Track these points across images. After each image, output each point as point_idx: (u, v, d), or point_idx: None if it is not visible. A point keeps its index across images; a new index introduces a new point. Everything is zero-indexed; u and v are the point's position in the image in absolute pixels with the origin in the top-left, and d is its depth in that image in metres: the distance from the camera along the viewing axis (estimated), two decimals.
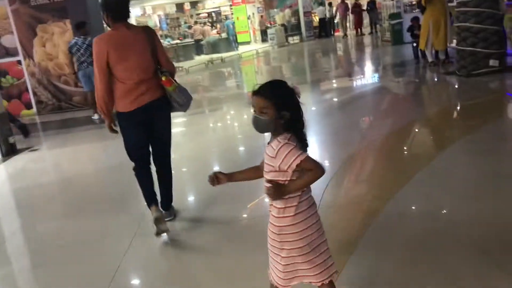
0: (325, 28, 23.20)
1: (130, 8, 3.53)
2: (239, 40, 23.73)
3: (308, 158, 1.93)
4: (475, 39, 7.76)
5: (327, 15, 23.08)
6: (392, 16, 14.56)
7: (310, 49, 19.54)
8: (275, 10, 25.84)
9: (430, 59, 9.46)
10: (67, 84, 10.57)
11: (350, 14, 21.73)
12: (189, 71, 16.28)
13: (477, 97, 6.91)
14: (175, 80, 3.55)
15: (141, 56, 3.39)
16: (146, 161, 3.65)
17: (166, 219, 3.60)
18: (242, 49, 21.93)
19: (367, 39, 19.23)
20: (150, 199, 3.60)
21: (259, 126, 1.99)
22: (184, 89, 3.64)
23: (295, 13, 25.55)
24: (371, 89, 8.92)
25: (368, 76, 10.54)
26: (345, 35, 21.26)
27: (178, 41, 22.00)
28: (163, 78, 3.43)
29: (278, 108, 1.94)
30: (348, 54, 16.44)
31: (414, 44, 10.36)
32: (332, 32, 23.51)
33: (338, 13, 22.05)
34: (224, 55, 19.52)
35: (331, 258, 2.09)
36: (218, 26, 26.18)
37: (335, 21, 23.98)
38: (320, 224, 2.07)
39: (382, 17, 16.44)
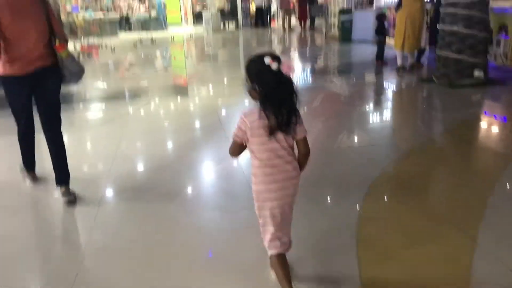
0: (262, 17, 22.05)
1: None
2: (169, 21, 21.88)
3: (233, 137, 2.18)
4: (461, 46, 6.95)
5: (265, 4, 21.95)
6: (343, 12, 13.72)
7: (249, 38, 18.30)
8: None
9: (399, 62, 8.59)
10: None
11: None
12: (114, 50, 14.33)
13: (464, 112, 5.99)
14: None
15: (36, 20, 3.34)
16: (30, 125, 3.59)
17: (66, 197, 3.51)
18: (173, 30, 20.14)
19: (309, 34, 18.27)
20: (29, 163, 3.81)
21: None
22: (76, 59, 3.64)
23: None
24: (331, 96, 7.74)
25: (327, 77, 9.41)
26: (288, 27, 19.50)
27: (101, 15, 19.68)
28: (57, 43, 3.41)
29: (250, 79, 2.10)
30: (295, 48, 15.18)
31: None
32: (268, 22, 22.43)
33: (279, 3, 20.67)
34: (154, 35, 17.67)
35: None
36: (147, 2, 24.16)
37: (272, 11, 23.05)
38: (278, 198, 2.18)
39: (329, 12, 15.54)
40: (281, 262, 2.22)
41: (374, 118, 6.08)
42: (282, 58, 2.11)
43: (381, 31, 9.24)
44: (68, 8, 19.03)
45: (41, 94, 3.45)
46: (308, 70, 10.29)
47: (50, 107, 3.52)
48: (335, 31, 14.99)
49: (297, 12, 19.54)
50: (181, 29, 21.39)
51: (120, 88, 8.82)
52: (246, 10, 21.76)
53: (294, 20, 20.29)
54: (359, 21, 13.64)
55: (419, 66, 8.64)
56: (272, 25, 22.44)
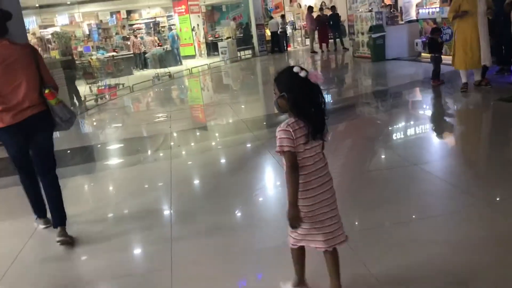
0: (279, 42, 21.23)
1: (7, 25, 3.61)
2: (182, 54, 21.12)
3: (283, 153, 2.20)
4: None
5: (280, 29, 21.14)
6: (374, 29, 12.78)
7: (270, 65, 17.43)
8: (226, 21, 23.67)
9: (464, 80, 7.57)
10: None
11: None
12: (133, 89, 13.49)
13: None
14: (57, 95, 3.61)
15: (27, 73, 3.45)
16: (30, 170, 3.69)
17: (60, 239, 3.56)
18: (189, 63, 19.36)
19: (334, 55, 17.32)
20: (37, 210, 3.85)
21: (274, 104, 2.28)
22: (67, 105, 3.69)
23: (239, 25, 23.63)
24: (402, 126, 6.73)
25: (384, 104, 8.34)
26: (314, 51, 18.51)
27: (114, 53, 18.97)
28: (46, 91, 3.49)
29: (280, 89, 2.22)
30: (329, 72, 14.07)
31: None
32: (285, 47, 21.60)
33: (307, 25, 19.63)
34: (171, 70, 16.88)
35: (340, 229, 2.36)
36: (156, 37, 23.51)
37: (287, 35, 22.25)
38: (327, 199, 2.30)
39: (355, 30, 14.63)
40: (335, 256, 2.40)
41: (471, 154, 5.04)
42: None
43: (436, 47, 8.25)
44: (80, 48, 18.43)
45: (35, 141, 3.55)
46: (359, 97, 9.18)
47: (44, 153, 3.63)
48: (363, 50, 14.07)
49: (317, 34, 18.62)
50: (196, 61, 20.62)
51: (153, 129, 7.93)
52: (261, 36, 20.95)
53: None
54: (392, 38, 12.71)
55: (486, 82, 7.60)
56: (288, 49, 21.67)
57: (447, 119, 6.77)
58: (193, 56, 22.15)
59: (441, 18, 11.00)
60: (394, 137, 5.82)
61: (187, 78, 16.07)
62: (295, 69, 2.15)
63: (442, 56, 8.32)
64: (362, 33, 14.02)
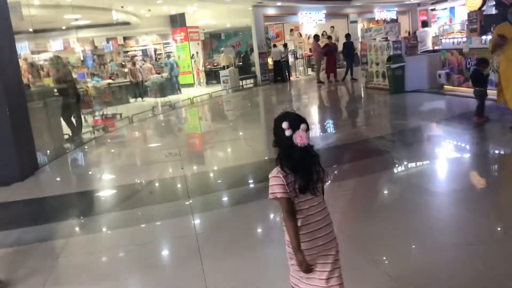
0: (281, 71, 20.41)
1: None
2: (180, 82, 20.14)
3: (277, 199, 2.16)
4: None
5: (283, 57, 20.36)
6: (393, 59, 11.97)
7: (274, 95, 16.55)
8: (227, 48, 22.98)
9: None
10: None
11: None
12: (132, 120, 12.45)
13: None
14: None
15: None
16: None
17: None
18: (188, 92, 18.45)
19: (344, 86, 16.47)
20: None
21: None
22: None
23: (238, 54, 22.95)
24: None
25: (434, 148, 7.33)
26: (321, 81, 17.53)
27: (110, 80, 18.00)
28: None
29: (273, 133, 2.20)
30: (351, 107, 12.86)
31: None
32: (288, 76, 20.78)
33: (314, 54, 18.83)
34: (171, 99, 15.93)
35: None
36: (153, 65, 22.59)
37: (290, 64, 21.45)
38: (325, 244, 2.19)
39: (368, 60, 13.85)
40: None
41: None
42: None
43: (481, 80, 7.38)
44: (74, 75, 17.43)
45: None
46: (392, 137, 7.93)
47: None
48: (378, 81, 13.27)
49: (324, 63, 17.85)
50: (195, 90, 19.73)
51: (162, 171, 6.83)
52: (264, 65, 20.15)
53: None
54: (411, 69, 11.91)
55: None
56: (290, 79, 20.83)
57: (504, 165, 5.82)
58: (191, 85, 21.26)
59: (469, 49, 10.24)
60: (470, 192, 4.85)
61: (189, 108, 15.09)
62: (284, 125, 2.10)
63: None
64: (377, 63, 13.26)
